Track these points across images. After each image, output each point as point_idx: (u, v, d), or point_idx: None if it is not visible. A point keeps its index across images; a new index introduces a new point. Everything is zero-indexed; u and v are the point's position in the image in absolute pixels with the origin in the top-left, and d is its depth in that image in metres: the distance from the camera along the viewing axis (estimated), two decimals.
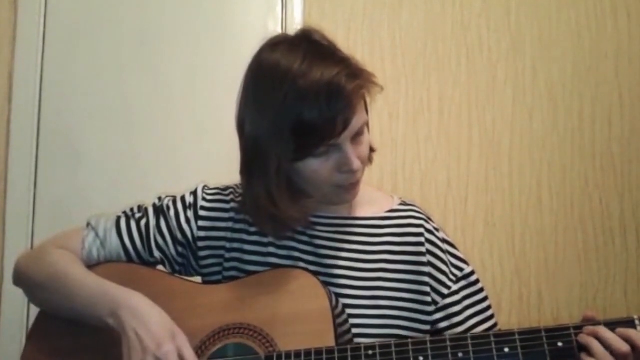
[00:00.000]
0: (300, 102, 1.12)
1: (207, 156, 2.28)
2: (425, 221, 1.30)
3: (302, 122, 1.12)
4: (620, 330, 1.06)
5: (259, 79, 1.19)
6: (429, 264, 1.25)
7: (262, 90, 1.18)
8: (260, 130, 1.17)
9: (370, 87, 1.18)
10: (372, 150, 1.26)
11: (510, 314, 2.23)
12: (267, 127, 1.15)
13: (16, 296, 2.12)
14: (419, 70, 2.35)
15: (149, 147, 2.34)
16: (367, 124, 1.21)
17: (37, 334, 1.29)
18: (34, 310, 1.33)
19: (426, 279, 1.24)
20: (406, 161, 2.33)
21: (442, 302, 1.24)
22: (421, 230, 1.28)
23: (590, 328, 1.07)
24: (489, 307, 1.28)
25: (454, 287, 1.25)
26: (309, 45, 1.18)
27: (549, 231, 2.29)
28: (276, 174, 1.16)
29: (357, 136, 1.17)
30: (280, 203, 1.18)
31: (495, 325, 1.28)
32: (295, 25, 2.32)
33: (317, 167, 1.17)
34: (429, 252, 1.26)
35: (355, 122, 1.15)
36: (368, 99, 1.21)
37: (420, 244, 1.26)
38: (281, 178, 1.17)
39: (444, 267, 1.26)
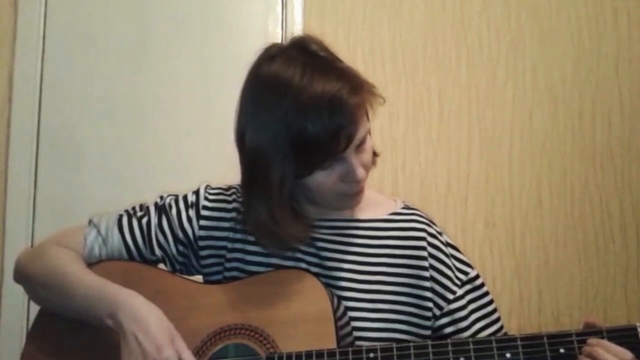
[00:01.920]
0: (303, 117, 1.10)
1: (208, 156, 2.28)
2: (428, 225, 1.29)
3: (304, 137, 1.10)
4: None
5: (258, 94, 1.17)
6: (432, 268, 1.24)
7: (261, 105, 1.16)
8: (261, 147, 1.15)
9: (372, 100, 1.17)
10: (375, 154, 1.25)
11: (511, 314, 2.23)
12: (268, 144, 1.14)
13: (16, 296, 2.14)
14: (419, 70, 2.35)
15: (149, 147, 2.34)
16: (369, 131, 1.20)
17: (37, 333, 1.29)
18: (34, 310, 1.33)
19: (427, 284, 1.23)
20: (406, 161, 2.33)
21: (448, 307, 1.23)
22: (423, 234, 1.27)
23: (587, 350, 1.05)
24: (494, 311, 1.27)
25: (459, 292, 1.24)
26: (307, 57, 1.16)
27: (549, 231, 2.29)
28: (279, 193, 1.15)
29: (360, 145, 1.17)
30: (283, 222, 1.17)
31: (501, 328, 1.27)
32: (295, 26, 2.32)
33: (321, 179, 1.16)
34: (432, 256, 1.25)
35: (359, 134, 1.14)
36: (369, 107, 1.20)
37: (422, 248, 1.25)
38: (284, 197, 1.16)
39: (448, 272, 1.25)
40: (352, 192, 1.20)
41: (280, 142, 1.12)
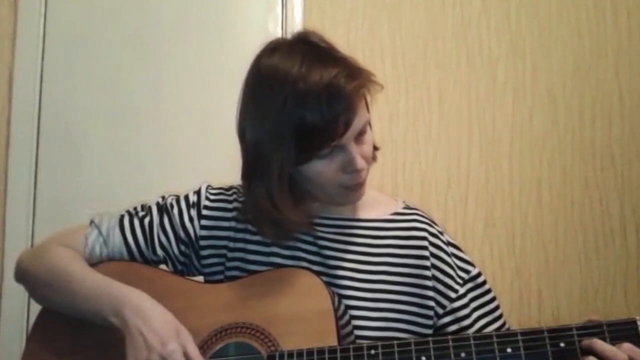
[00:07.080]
0: (301, 105, 1.11)
1: (208, 156, 2.28)
2: (429, 225, 1.29)
3: (303, 125, 1.11)
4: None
5: (258, 85, 1.19)
6: (433, 267, 1.24)
7: (261, 95, 1.17)
8: (261, 136, 1.16)
9: (370, 86, 1.18)
10: (375, 148, 1.25)
11: (511, 314, 2.23)
12: (268, 132, 1.15)
13: (16, 296, 2.14)
14: (419, 70, 2.35)
15: (149, 148, 2.34)
16: (369, 123, 1.21)
17: (38, 332, 1.28)
18: (34, 310, 1.33)
19: (429, 283, 1.23)
20: (406, 161, 2.33)
21: (450, 305, 1.23)
22: (424, 234, 1.27)
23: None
24: (497, 308, 1.27)
25: (461, 290, 1.24)
26: (307, 47, 1.17)
27: (549, 231, 2.29)
28: (278, 177, 1.16)
29: (360, 135, 1.17)
30: (282, 206, 1.18)
31: (504, 324, 1.27)
32: (295, 26, 2.32)
33: (321, 168, 1.17)
34: (434, 255, 1.25)
35: (357, 122, 1.14)
36: (369, 98, 1.21)
37: (424, 248, 1.26)
38: (283, 182, 1.16)
39: (450, 271, 1.25)
40: (353, 184, 1.20)
41: (281, 130, 1.13)
